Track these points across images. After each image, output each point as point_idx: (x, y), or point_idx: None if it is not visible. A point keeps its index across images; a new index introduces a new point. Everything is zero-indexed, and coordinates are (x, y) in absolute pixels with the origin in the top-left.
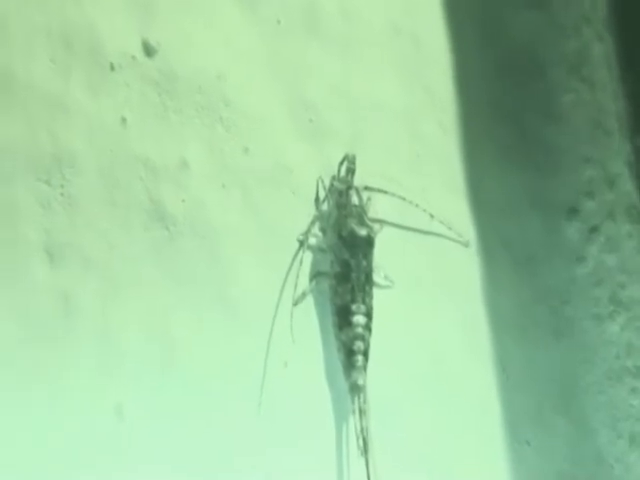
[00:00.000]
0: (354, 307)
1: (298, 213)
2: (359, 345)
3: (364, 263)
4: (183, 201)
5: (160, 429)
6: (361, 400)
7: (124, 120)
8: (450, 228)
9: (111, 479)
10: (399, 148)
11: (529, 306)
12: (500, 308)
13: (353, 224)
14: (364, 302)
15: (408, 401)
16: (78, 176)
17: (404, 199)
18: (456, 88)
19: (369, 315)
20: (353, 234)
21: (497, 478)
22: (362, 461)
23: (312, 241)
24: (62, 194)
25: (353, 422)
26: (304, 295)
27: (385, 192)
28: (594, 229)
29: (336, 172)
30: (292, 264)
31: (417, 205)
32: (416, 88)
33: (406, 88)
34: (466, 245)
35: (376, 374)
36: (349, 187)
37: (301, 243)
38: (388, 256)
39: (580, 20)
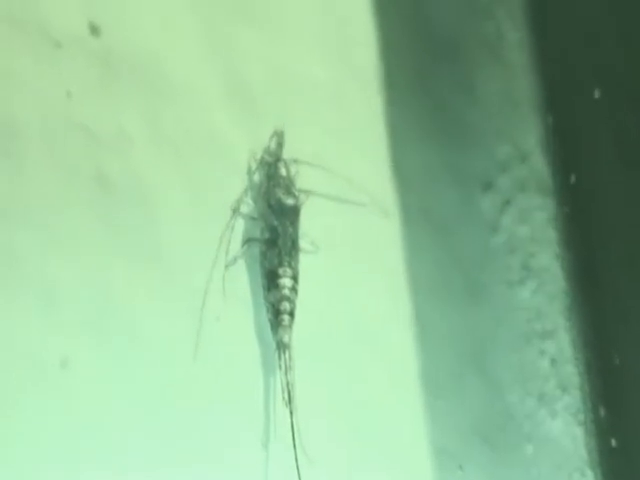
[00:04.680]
0: (281, 271)
1: (231, 183)
2: (285, 306)
3: (291, 230)
4: (122, 168)
5: (103, 377)
6: (287, 356)
7: (69, 93)
8: (372, 197)
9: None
10: (326, 123)
11: (447, 272)
12: (419, 273)
13: (281, 194)
14: (290, 266)
15: (331, 358)
16: (24, 144)
17: (330, 171)
18: (381, 66)
19: (295, 278)
20: (281, 203)
21: (414, 431)
22: (287, 412)
23: (244, 209)
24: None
25: (279, 377)
26: (235, 259)
27: (311, 164)
28: (507, 202)
29: (266, 146)
30: (225, 230)
31: (341, 177)
32: (343, 66)
33: (334, 66)
34: (386, 214)
35: (301, 333)
36: (278, 160)
37: (233, 211)
38: (314, 224)
39: (494, 2)
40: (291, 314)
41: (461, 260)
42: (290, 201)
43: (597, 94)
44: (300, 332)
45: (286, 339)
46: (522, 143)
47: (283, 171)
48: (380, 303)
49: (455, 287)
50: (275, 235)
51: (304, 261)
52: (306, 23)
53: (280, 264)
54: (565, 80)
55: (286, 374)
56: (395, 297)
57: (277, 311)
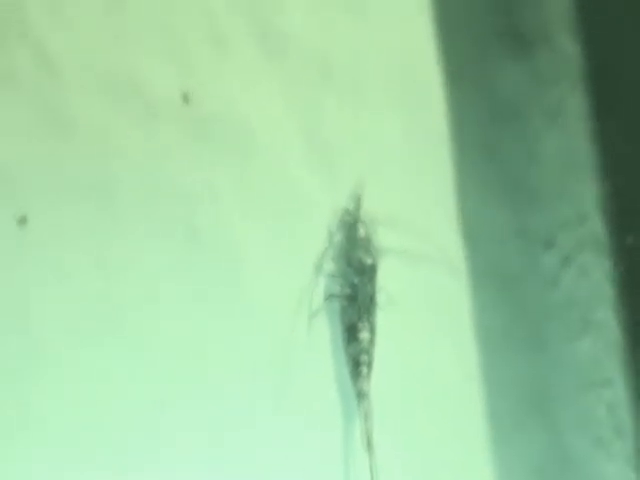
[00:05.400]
0: (360, 325)
1: (312, 240)
2: (364, 358)
3: (369, 287)
4: (211, 222)
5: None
6: (366, 405)
7: (163, 154)
8: (443, 256)
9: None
10: (401, 184)
11: (511, 324)
12: (485, 326)
13: (361, 254)
14: (369, 321)
15: (406, 407)
16: (120, 200)
17: (404, 231)
18: (452, 131)
19: (373, 332)
20: (360, 262)
21: (481, 475)
22: (367, 457)
23: (325, 267)
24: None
25: (359, 424)
26: (317, 313)
27: (387, 225)
28: (567, 259)
29: (346, 207)
30: (308, 285)
31: (414, 235)
32: (417, 131)
33: (408, 131)
34: (456, 271)
35: (378, 383)
36: (357, 221)
37: (316, 268)
38: (389, 280)
39: (559, 74)
40: (369, 365)
41: (524, 314)
42: (369, 261)
43: None
44: (377, 382)
45: (365, 389)
46: (582, 204)
47: (362, 232)
48: (449, 356)
49: (519, 339)
50: (355, 292)
51: (379, 315)
52: (384, 90)
53: (359, 319)
54: (623, 147)
55: (365, 421)
56: (463, 348)
57: (356, 362)
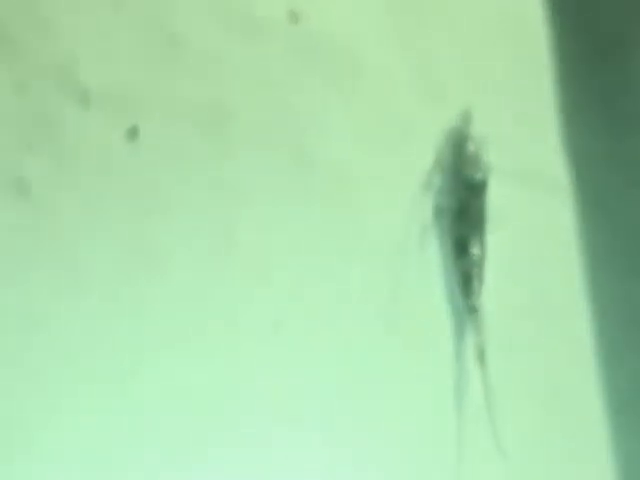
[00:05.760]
0: (471, 239)
1: (421, 159)
2: (475, 272)
3: (479, 202)
4: (320, 144)
5: (311, 342)
6: (477, 319)
7: (271, 77)
8: (547, 178)
9: None
10: (506, 110)
11: (615, 246)
12: (591, 247)
13: (470, 169)
14: (479, 235)
15: (515, 323)
16: (233, 124)
17: (513, 152)
18: (553, 61)
19: (483, 246)
20: (470, 177)
21: (591, 392)
22: (479, 370)
23: (435, 182)
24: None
25: (471, 338)
26: (427, 227)
27: (495, 143)
28: None
29: (454, 125)
30: (418, 202)
31: (521, 157)
32: (520, 59)
33: (512, 58)
34: (563, 193)
35: (489, 298)
36: (466, 137)
37: (424, 186)
38: (498, 199)
39: None
40: (480, 280)
41: (629, 236)
42: (479, 175)
43: None
44: (488, 297)
45: (477, 303)
46: None
47: (471, 148)
48: (555, 272)
49: (623, 260)
50: (464, 206)
51: (489, 232)
52: (493, 26)
53: (470, 233)
54: None
55: (477, 335)
56: (569, 267)
57: (468, 277)
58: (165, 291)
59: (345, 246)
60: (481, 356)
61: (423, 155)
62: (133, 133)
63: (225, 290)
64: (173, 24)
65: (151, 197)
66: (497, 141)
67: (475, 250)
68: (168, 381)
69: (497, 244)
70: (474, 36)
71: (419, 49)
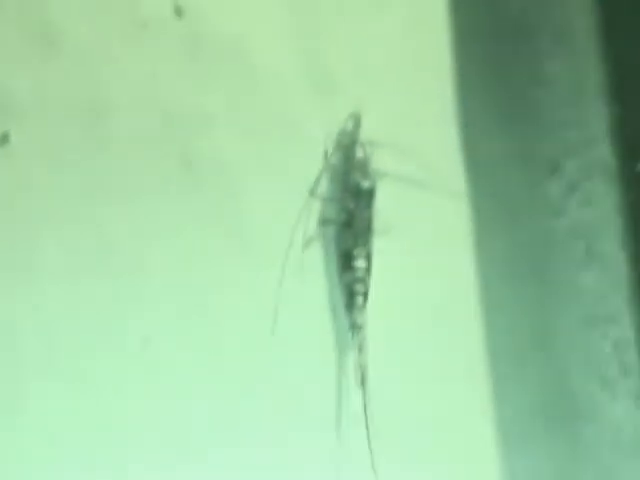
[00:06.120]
0: (356, 252)
1: (308, 165)
2: (359, 287)
3: (366, 212)
4: (204, 148)
5: (182, 355)
6: (360, 337)
7: (154, 74)
8: (443, 180)
9: None
10: (401, 107)
11: (513, 253)
12: (486, 254)
13: (358, 177)
14: (365, 247)
15: (400, 340)
16: (109, 122)
17: (403, 153)
18: (454, 51)
19: (369, 259)
20: (357, 186)
21: (478, 408)
22: (359, 392)
23: (320, 191)
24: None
25: (352, 357)
26: (311, 240)
27: (386, 147)
28: (573, 186)
29: (343, 128)
30: (302, 211)
31: (414, 159)
32: (418, 52)
33: (409, 52)
34: (457, 196)
35: (374, 314)
36: (355, 142)
37: (310, 193)
38: (387, 205)
39: None
40: (365, 295)
41: (527, 243)
42: (367, 184)
43: None
44: (372, 314)
45: (360, 320)
46: (589, 129)
47: (360, 153)
48: (448, 282)
49: (520, 269)
50: (351, 217)
51: (376, 243)
52: (385, 9)
53: (355, 245)
54: (634, 68)
55: (359, 355)
56: (462, 277)
57: (351, 292)
58: (34, 306)
59: (226, 255)
60: (362, 376)
61: (311, 160)
62: (3, 139)
63: (99, 304)
64: (47, 21)
65: (23, 204)
66: (388, 142)
67: (360, 263)
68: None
69: (386, 255)
70: (368, 32)
71: (310, 47)
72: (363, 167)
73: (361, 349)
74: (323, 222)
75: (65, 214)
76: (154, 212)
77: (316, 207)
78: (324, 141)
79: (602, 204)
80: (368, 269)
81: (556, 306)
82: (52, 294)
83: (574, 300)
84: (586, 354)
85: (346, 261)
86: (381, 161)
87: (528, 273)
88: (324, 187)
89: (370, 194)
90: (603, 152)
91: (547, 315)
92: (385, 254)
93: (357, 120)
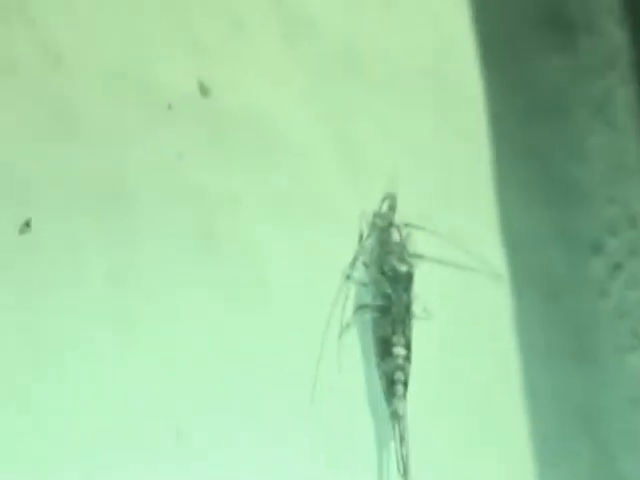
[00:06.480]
0: (395, 339)
1: (342, 247)
2: (399, 375)
3: (404, 297)
4: (231, 229)
5: (218, 445)
6: (401, 427)
7: (180, 155)
8: (483, 262)
9: None
10: (436, 186)
11: (556, 335)
12: (528, 337)
13: (394, 260)
14: (404, 334)
15: (444, 427)
16: (134, 204)
17: (441, 235)
18: (487, 129)
19: (409, 346)
20: (395, 270)
21: None
22: None
23: (356, 275)
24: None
25: (394, 447)
26: (348, 326)
27: (423, 229)
28: (617, 265)
29: (378, 209)
30: (337, 297)
31: (452, 240)
32: (453, 130)
33: (444, 129)
34: (497, 278)
35: (415, 403)
36: (390, 224)
37: (346, 277)
38: (426, 289)
39: (605, 64)
40: (405, 384)
41: (570, 324)
42: (404, 268)
43: None
44: (414, 402)
45: (400, 410)
46: (632, 206)
47: (396, 236)
48: (490, 367)
49: (564, 351)
50: (388, 302)
51: (415, 328)
52: (417, 86)
53: (394, 332)
54: None
55: (401, 446)
56: (505, 361)
57: (391, 381)
58: (57, 396)
59: (256, 345)
60: (405, 469)
61: (345, 242)
62: (24, 227)
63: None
64: (67, 102)
65: (45, 293)
66: (425, 223)
67: (399, 350)
68: None
69: (427, 341)
70: (401, 109)
71: (340, 124)
72: (400, 250)
73: (402, 439)
74: (359, 308)
75: (88, 303)
76: (179, 302)
77: (352, 292)
78: (359, 222)
79: None
80: (408, 356)
81: (601, 388)
82: (75, 382)
83: (620, 382)
84: (634, 437)
85: (385, 348)
86: (418, 243)
87: (572, 355)
88: (359, 271)
89: (408, 278)
90: None
91: (592, 397)
92: (424, 339)
93: (392, 201)
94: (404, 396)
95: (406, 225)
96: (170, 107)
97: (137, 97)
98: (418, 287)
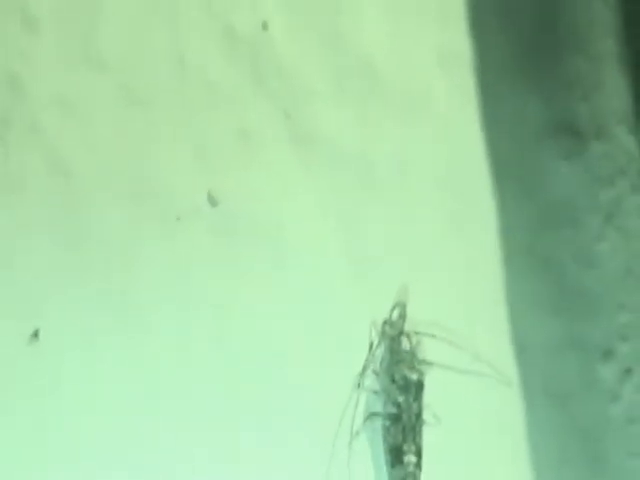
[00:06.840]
0: (406, 447)
1: (352, 354)
2: None
3: (415, 405)
4: (245, 335)
5: None
6: None
7: (188, 266)
8: (493, 368)
9: None
10: (447, 294)
11: (567, 441)
12: (540, 443)
13: (405, 369)
14: (415, 442)
15: None
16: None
17: (452, 342)
18: (500, 236)
19: (419, 454)
20: (405, 379)
21: None
22: None
23: (366, 383)
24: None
25: None
26: (358, 434)
27: (434, 336)
28: (628, 370)
29: (388, 318)
30: (347, 405)
31: (462, 347)
32: (462, 237)
33: (453, 236)
34: (508, 384)
35: None
36: (400, 333)
37: (357, 385)
38: (437, 395)
39: (616, 171)
40: None
41: (581, 429)
42: (414, 376)
43: None
44: None
45: None
46: None
47: (406, 344)
48: (502, 474)
49: (575, 457)
50: (399, 410)
51: (426, 434)
52: (429, 197)
53: (404, 440)
54: None
55: None
56: (516, 467)
57: None
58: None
59: (268, 452)
60: None
61: (355, 350)
62: (33, 336)
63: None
64: (80, 215)
65: (55, 402)
66: (435, 330)
67: (410, 458)
68: None
69: (438, 448)
70: (410, 216)
71: (350, 232)
72: (410, 358)
73: None
74: (370, 416)
75: (98, 408)
76: (192, 408)
77: (362, 400)
78: (369, 331)
79: None
80: (419, 463)
81: None
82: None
83: None
84: None
85: (396, 456)
86: (428, 350)
87: (583, 460)
88: (370, 379)
89: (419, 386)
90: None
91: None
92: (435, 447)
93: (402, 310)
94: None
95: (416, 333)
96: (179, 219)
97: (147, 209)
98: (428, 393)
